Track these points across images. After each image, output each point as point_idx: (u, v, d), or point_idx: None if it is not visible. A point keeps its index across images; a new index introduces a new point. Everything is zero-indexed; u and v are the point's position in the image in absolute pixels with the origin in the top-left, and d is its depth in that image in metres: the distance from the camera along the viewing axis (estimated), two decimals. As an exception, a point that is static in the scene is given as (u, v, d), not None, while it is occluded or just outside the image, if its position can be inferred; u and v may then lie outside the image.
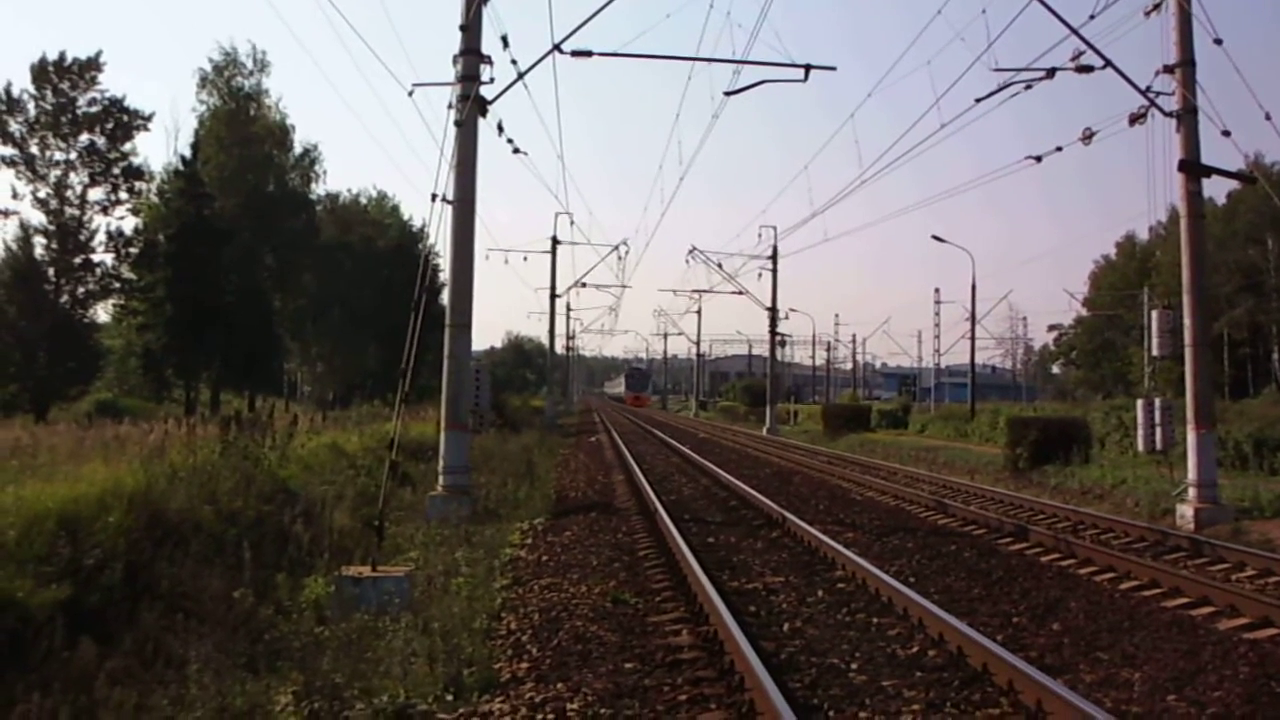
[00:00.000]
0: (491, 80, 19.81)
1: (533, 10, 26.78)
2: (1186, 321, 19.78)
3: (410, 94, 20.92)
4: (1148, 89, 19.56)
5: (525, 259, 63.44)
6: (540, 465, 28.20)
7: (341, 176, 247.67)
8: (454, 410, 19.63)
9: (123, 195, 60.25)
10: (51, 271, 57.84)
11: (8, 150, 57.09)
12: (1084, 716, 7.09)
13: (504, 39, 20.30)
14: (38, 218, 57.57)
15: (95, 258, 59.38)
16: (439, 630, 9.37)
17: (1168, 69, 19.49)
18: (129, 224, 60.86)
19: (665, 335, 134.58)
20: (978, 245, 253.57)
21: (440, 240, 20.06)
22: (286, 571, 11.70)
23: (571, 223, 68.70)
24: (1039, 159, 22.76)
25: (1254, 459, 26.60)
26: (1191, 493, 19.08)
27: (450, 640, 9.14)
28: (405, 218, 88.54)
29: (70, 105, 58.18)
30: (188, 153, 61.98)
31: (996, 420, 43.64)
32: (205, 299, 56.72)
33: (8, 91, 56.94)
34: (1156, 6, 19.44)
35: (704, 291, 75.42)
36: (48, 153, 57.82)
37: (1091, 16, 19.23)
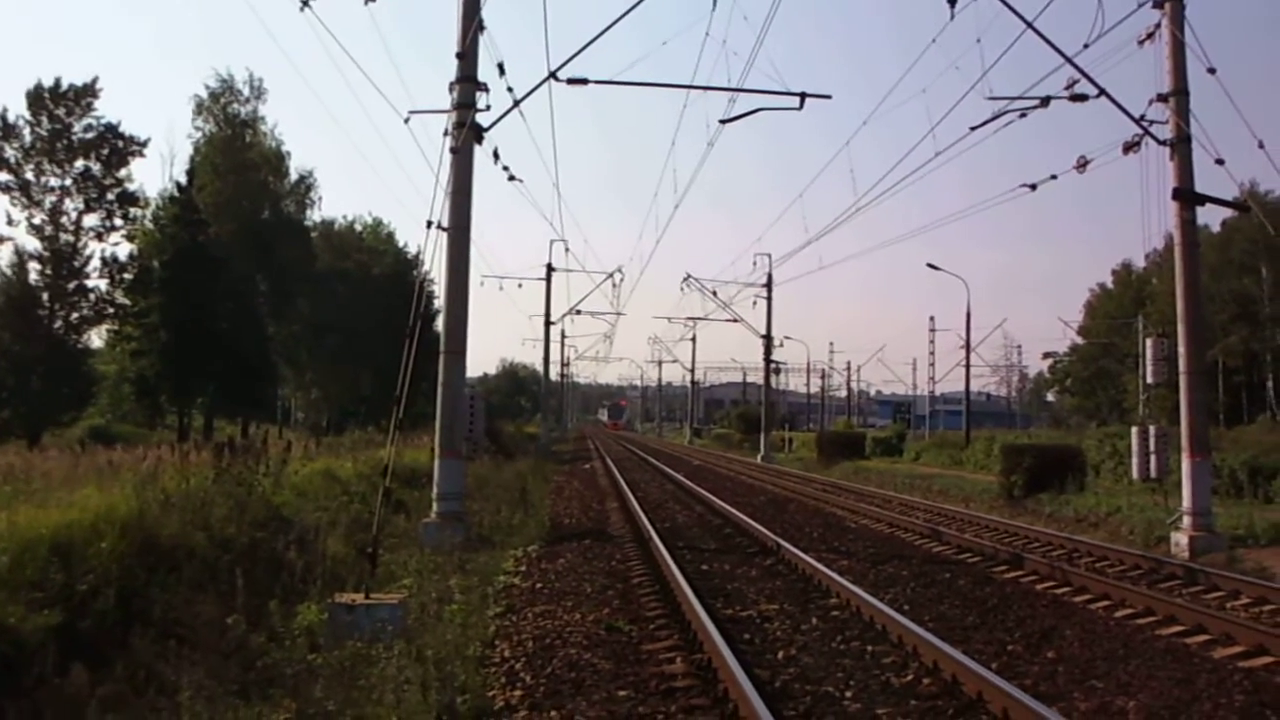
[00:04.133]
0: (488, 107, 19.88)
1: (529, 38, 26.92)
2: (1181, 349, 19.82)
3: (406, 121, 20.98)
4: (1142, 117, 19.66)
5: (520, 286, 63.53)
6: (534, 492, 28.15)
7: (337, 203, 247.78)
8: (448, 437, 19.60)
9: (118, 221, 60.62)
10: (46, 297, 57.94)
11: (3, 176, 57.44)
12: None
13: (500, 66, 20.41)
14: (32, 243, 57.98)
15: (89, 283, 59.78)
16: (432, 658, 9.32)
17: (1161, 98, 19.60)
18: (124, 250, 61.24)
19: (660, 363, 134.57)
20: (975, 272, 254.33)
21: (435, 267, 20.07)
22: (279, 598, 11.63)
23: (567, 250, 69.03)
24: (1034, 187, 22.84)
25: (1249, 487, 26.64)
26: (1186, 520, 19.07)
27: (444, 668, 9.10)
28: (400, 244, 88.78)
29: (66, 131, 58.39)
30: (183, 179, 62.02)
31: (991, 448, 43.67)
32: (200, 325, 56.55)
33: (3, 118, 57.32)
34: (1150, 36, 19.54)
35: (699, 319, 75.65)
36: (43, 179, 58.12)
37: (1085, 45, 19.33)
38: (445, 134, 19.31)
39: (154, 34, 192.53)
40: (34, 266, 57.83)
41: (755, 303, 60.23)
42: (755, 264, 58.42)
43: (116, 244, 60.95)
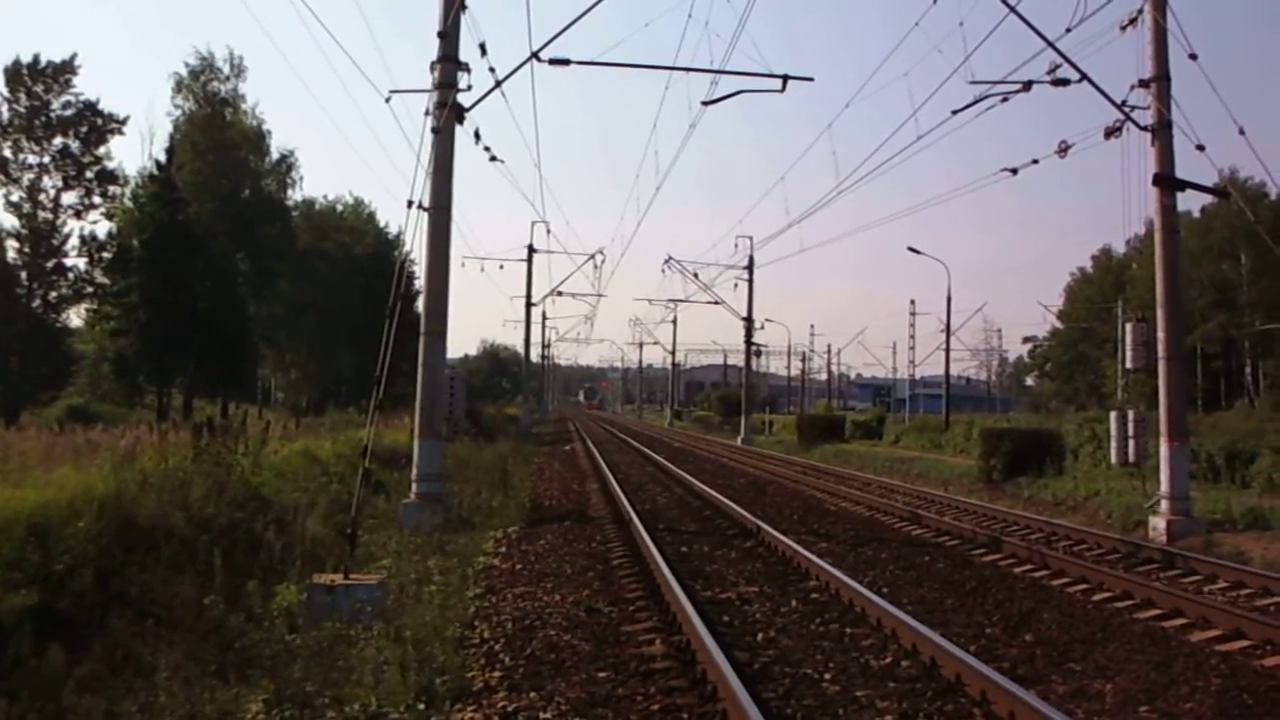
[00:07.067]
0: (469, 88, 19.78)
1: (511, 18, 26.71)
2: (1160, 335, 19.89)
3: (387, 100, 20.85)
4: (1123, 103, 19.67)
5: (501, 267, 63.40)
6: (515, 473, 28.11)
7: (318, 183, 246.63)
8: (428, 418, 19.56)
9: (96, 199, 60.01)
10: (24, 275, 57.49)
11: (-20, 153, 56.70)
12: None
13: (482, 46, 20.29)
14: (10, 221, 57.45)
15: (68, 262, 59.28)
16: (411, 639, 9.32)
17: (1143, 83, 19.61)
18: (102, 228, 60.65)
19: (641, 345, 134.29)
20: (962, 255, 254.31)
21: (416, 247, 20.01)
22: (258, 579, 11.57)
23: (548, 231, 69.02)
24: (1014, 171, 22.82)
25: (1226, 472, 26.75)
26: (1164, 505, 19.17)
27: (422, 649, 9.10)
28: (381, 224, 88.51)
29: (44, 108, 57.83)
30: (163, 157, 61.41)
31: (971, 432, 43.73)
32: (179, 304, 56.11)
33: (-20, 94, 56.56)
34: (1132, 21, 19.55)
35: (680, 301, 75.65)
36: (21, 156, 57.53)
37: (1068, 30, 19.33)
38: (426, 114, 19.23)
39: (130, 11, 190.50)
40: (12, 245, 57.40)
41: (736, 285, 60.49)
42: (737, 246, 58.47)
43: (95, 222, 60.64)
